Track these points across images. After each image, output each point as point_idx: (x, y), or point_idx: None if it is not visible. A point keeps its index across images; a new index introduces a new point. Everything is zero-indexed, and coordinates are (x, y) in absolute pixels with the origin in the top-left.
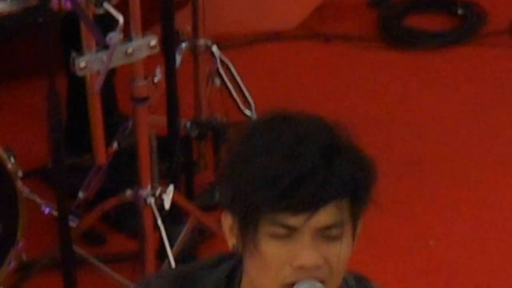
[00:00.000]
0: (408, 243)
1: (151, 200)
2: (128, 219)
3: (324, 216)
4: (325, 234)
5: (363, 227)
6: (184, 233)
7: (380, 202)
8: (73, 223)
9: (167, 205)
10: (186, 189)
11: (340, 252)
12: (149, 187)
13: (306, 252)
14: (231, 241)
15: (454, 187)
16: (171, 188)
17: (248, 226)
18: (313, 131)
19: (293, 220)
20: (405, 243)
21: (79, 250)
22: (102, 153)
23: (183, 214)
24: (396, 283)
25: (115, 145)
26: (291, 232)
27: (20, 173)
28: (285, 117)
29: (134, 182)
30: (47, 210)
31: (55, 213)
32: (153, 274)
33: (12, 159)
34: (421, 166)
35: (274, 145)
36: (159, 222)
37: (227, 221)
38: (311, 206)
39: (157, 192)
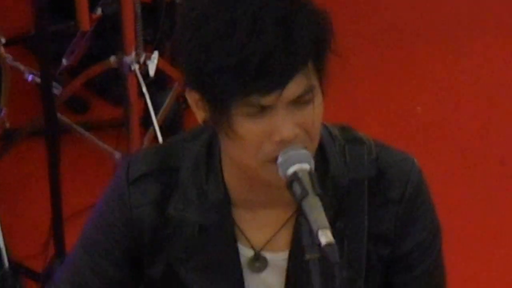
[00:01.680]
0: (396, 109)
1: (136, 67)
2: (112, 86)
3: (294, 87)
4: (298, 101)
5: (348, 97)
6: (169, 100)
7: (366, 71)
8: (56, 90)
9: (151, 71)
10: (171, 56)
11: (314, 113)
12: (133, 53)
13: (283, 125)
14: (200, 116)
15: (442, 54)
16: (155, 54)
17: (219, 110)
18: (266, 2)
19: (265, 100)
20: (393, 109)
21: (62, 117)
22: (86, 19)
23: (168, 81)
24: None
25: (99, 11)
26: (264, 109)
27: (3, 40)
28: None
29: (119, 48)
30: (30, 78)
31: (38, 80)
32: (137, 144)
33: None
34: (408, 34)
35: (232, 28)
36: (144, 89)
37: (193, 97)
38: (280, 83)
39: (142, 59)
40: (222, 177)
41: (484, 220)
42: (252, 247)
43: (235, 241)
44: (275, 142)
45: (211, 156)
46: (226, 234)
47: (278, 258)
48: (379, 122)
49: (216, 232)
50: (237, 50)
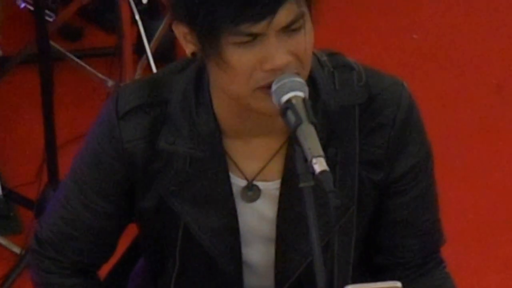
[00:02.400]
0: (393, 37)
1: None
2: (105, 14)
3: (285, 14)
4: (288, 29)
5: (344, 25)
6: (162, 28)
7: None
8: (49, 18)
9: None
10: None
11: (305, 41)
12: None
13: (274, 54)
14: (189, 49)
15: None
16: None
17: (209, 40)
18: None
19: (256, 28)
20: (390, 37)
21: (55, 45)
22: None
23: (161, 8)
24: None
25: None
26: (255, 37)
27: None
28: None
29: None
30: (23, 5)
31: (31, 7)
32: (129, 72)
33: None
34: None
35: None
36: (137, 16)
37: (181, 30)
38: (270, 10)
39: None
40: (212, 107)
41: (479, 145)
42: (245, 177)
43: (227, 172)
44: (266, 70)
45: (200, 88)
46: (218, 165)
47: (271, 187)
48: (375, 49)
49: (208, 164)
50: None
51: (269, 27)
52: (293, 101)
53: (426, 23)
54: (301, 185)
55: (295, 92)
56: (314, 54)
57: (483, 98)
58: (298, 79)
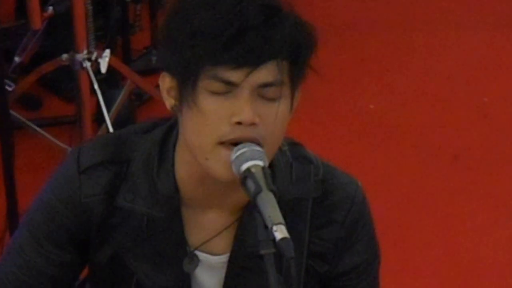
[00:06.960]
0: (349, 107)
1: (87, 64)
2: (64, 83)
3: (264, 73)
4: (263, 93)
5: (304, 96)
6: (121, 97)
7: (320, 71)
8: (9, 87)
9: (103, 69)
10: (123, 53)
11: (278, 112)
12: (85, 51)
13: (244, 107)
14: (169, 103)
15: (394, 52)
16: (107, 52)
17: (187, 82)
18: None
19: (233, 75)
20: (346, 107)
21: (15, 114)
22: (37, 18)
23: (120, 78)
24: (338, 145)
25: (50, 9)
26: (230, 88)
27: None
28: None
29: (70, 46)
30: None
31: None
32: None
33: None
34: (359, 34)
35: (215, 1)
36: (96, 86)
37: (165, 83)
38: (251, 61)
39: (93, 56)
40: (174, 171)
41: (438, 215)
42: (188, 245)
43: (183, 235)
44: (232, 123)
45: (164, 151)
46: (173, 228)
47: (212, 260)
48: (334, 119)
49: (164, 225)
50: (215, 20)
51: (246, 79)
52: (253, 170)
53: (382, 93)
54: (262, 252)
55: (255, 161)
56: None
57: (440, 168)
58: (258, 148)
